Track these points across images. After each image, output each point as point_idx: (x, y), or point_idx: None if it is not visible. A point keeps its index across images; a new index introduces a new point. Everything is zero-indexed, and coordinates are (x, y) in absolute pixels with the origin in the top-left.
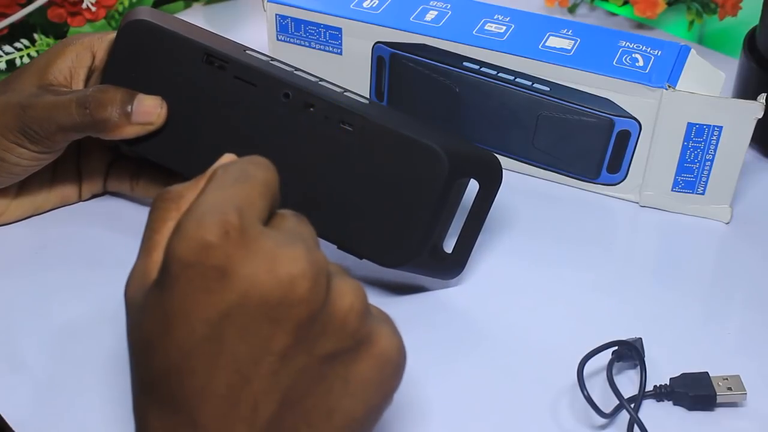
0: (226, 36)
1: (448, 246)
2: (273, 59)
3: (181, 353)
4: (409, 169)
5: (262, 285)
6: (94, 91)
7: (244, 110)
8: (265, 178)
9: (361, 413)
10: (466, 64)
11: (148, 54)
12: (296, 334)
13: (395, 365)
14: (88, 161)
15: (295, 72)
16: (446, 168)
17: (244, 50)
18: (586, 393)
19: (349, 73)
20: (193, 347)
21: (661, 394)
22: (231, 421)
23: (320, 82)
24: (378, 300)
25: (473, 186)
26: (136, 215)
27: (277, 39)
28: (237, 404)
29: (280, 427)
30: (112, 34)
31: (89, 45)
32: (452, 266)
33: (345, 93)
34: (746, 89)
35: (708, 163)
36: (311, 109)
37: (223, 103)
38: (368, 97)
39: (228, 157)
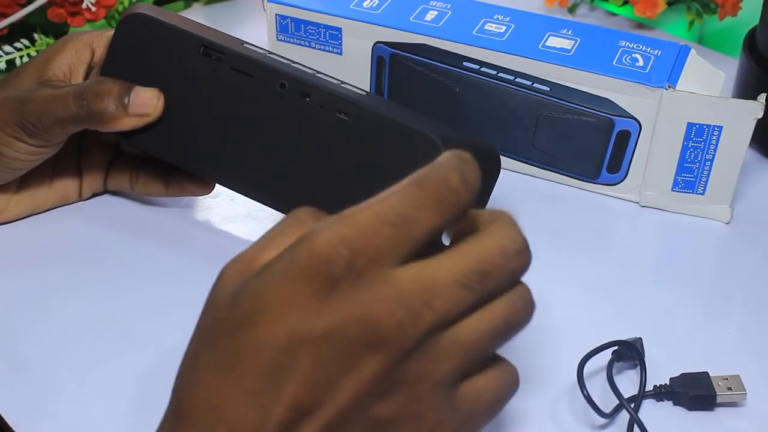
0: None
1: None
2: (270, 52)
3: (257, 348)
4: (405, 157)
5: (345, 329)
6: (91, 84)
7: (241, 101)
8: (433, 221)
9: None
10: (466, 64)
11: (146, 47)
12: (362, 391)
13: None
14: (88, 159)
15: (292, 64)
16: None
17: (242, 43)
18: (586, 393)
19: (349, 73)
20: (251, 356)
21: (661, 394)
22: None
23: (317, 74)
24: None
25: None
26: (136, 215)
27: (277, 39)
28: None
29: None
30: (111, 32)
31: (89, 42)
32: None
33: (342, 84)
34: (746, 89)
35: (708, 163)
36: (307, 98)
37: (221, 94)
38: (365, 89)
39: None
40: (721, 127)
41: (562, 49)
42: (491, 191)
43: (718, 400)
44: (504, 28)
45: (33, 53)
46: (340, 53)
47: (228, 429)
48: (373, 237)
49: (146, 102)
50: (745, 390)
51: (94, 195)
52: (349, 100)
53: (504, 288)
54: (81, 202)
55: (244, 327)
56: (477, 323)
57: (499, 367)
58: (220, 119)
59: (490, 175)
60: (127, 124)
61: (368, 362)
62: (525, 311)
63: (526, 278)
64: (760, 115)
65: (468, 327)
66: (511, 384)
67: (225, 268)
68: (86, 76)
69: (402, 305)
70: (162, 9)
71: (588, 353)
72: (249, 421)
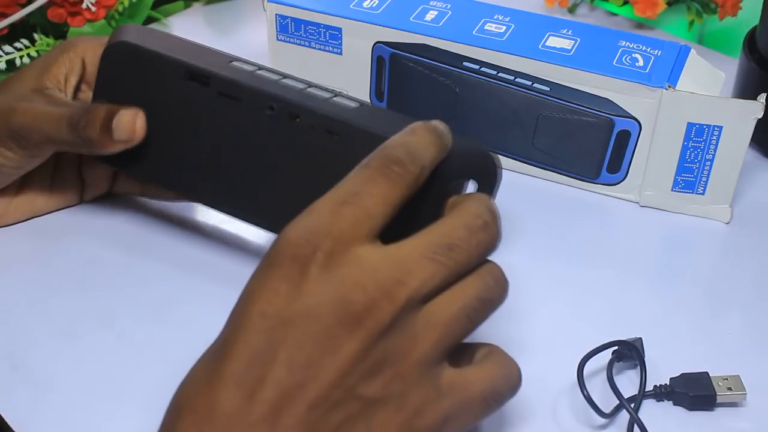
0: (226, 37)
1: None
2: (260, 67)
3: (239, 336)
4: None
5: (321, 309)
6: (84, 111)
7: (231, 125)
8: (398, 195)
9: None
10: (466, 64)
11: (132, 75)
12: (345, 368)
13: (426, 419)
14: (91, 169)
15: (281, 81)
16: (436, 173)
17: (230, 62)
18: (586, 393)
19: (349, 73)
20: (244, 337)
21: (661, 394)
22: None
23: (308, 89)
24: None
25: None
26: (137, 214)
27: (277, 39)
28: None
29: None
30: (105, 40)
31: (81, 53)
32: None
33: (334, 98)
34: (746, 89)
35: (708, 163)
36: (297, 120)
37: (209, 120)
38: (359, 99)
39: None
40: (721, 127)
41: (562, 49)
42: (493, 197)
43: (718, 400)
44: (504, 28)
45: (33, 53)
46: (340, 53)
47: (218, 415)
48: (332, 218)
49: (126, 127)
50: (745, 390)
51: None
52: (339, 120)
53: (474, 265)
54: (82, 203)
55: (230, 320)
56: (450, 300)
57: (496, 361)
58: (211, 144)
59: (488, 185)
60: (114, 149)
61: (347, 342)
62: (498, 288)
63: (526, 278)
64: (760, 115)
65: (442, 304)
66: (509, 380)
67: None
68: (77, 87)
69: (374, 283)
70: (150, 30)
71: (588, 353)
72: (235, 405)
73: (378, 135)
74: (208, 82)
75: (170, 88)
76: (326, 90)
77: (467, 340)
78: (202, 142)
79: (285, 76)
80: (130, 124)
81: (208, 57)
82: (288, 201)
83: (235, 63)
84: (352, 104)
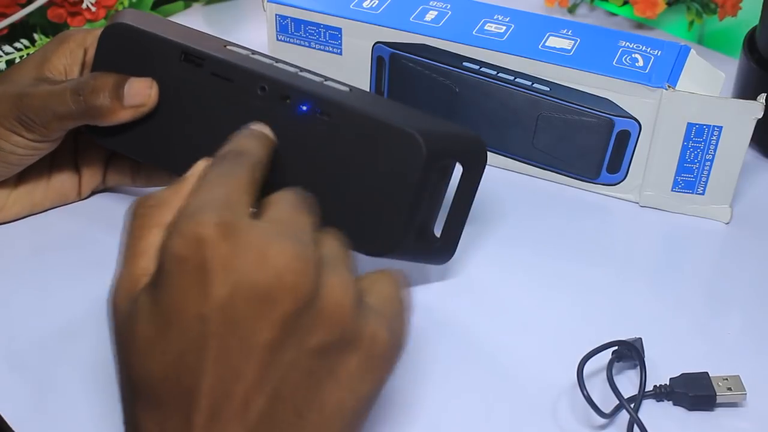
0: (226, 37)
1: (439, 231)
2: (254, 52)
3: (177, 351)
4: (387, 156)
5: (250, 278)
6: (87, 79)
7: (223, 106)
8: (251, 165)
9: (352, 405)
10: (466, 64)
11: (129, 56)
12: (283, 328)
13: (382, 358)
14: (86, 156)
15: (274, 64)
16: (424, 153)
17: (224, 46)
18: (586, 393)
19: (349, 73)
20: (189, 344)
21: (661, 394)
22: (224, 417)
23: (299, 73)
24: None
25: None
26: None
27: (277, 39)
28: (229, 400)
29: (272, 421)
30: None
31: (82, 42)
32: (441, 252)
33: (325, 82)
34: (746, 89)
35: (708, 163)
36: (288, 101)
37: (202, 99)
38: (350, 84)
39: (203, 163)
40: (721, 127)
41: (562, 49)
42: (478, 183)
43: (718, 400)
44: (504, 28)
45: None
46: (340, 53)
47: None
48: (204, 217)
49: (140, 92)
50: (745, 390)
51: (94, 193)
52: (329, 100)
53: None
54: (81, 201)
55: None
56: (330, 240)
57: (381, 278)
58: (203, 124)
59: (474, 167)
60: (124, 116)
61: (270, 320)
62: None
63: (527, 278)
64: (760, 115)
65: (329, 244)
66: (395, 285)
67: (112, 300)
68: (80, 75)
69: (267, 261)
70: (147, 14)
71: (588, 353)
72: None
73: (367, 115)
74: (202, 63)
75: (165, 68)
76: (318, 75)
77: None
78: (196, 122)
79: (278, 60)
80: (145, 89)
81: (203, 41)
82: (276, 180)
83: (229, 47)
84: (344, 88)
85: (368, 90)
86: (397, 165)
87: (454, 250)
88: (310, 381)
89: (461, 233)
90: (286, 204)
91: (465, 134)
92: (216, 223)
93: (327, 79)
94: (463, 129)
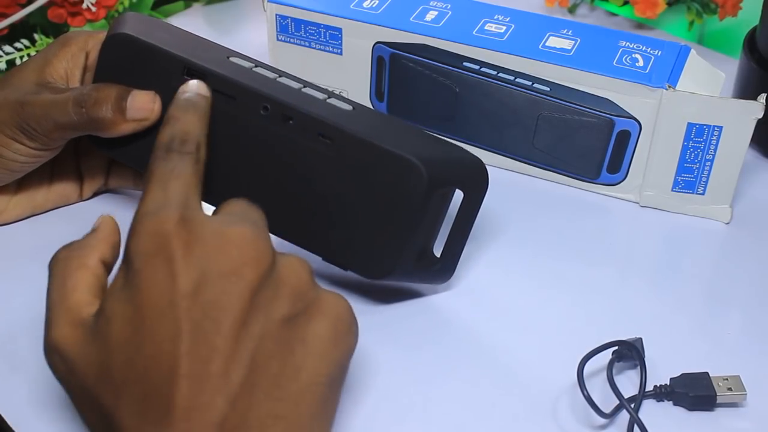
0: (226, 37)
1: (439, 251)
2: (258, 64)
3: (155, 341)
4: (388, 182)
5: (215, 260)
6: (90, 90)
7: (225, 123)
8: (196, 157)
9: (325, 370)
10: (466, 64)
11: (131, 68)
12: (251, 301)
13: (346, 322)
14: (87, 161)
15: (278, 79)
16: (425, 180)
17: (228, 57)
18: (586, 393)
19: (349, 73)
20: (165, 332)
21: (661, 394)
22: (207, 392)
23: (303, 89)
24: (375, 303)
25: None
26: None
27: (277, 39)
28: (209, 375)
29: (252, 390)
30: (104, 33)
31: (83, 45)
32: (441, 272)
33: (328, 100)
34: (746, 89)
35: (708, 163)
36: (290, 121)
37: None
38: (354, 102)
39: (108, 219)
40: (721, 127)
41: (562, 49)
42: (478, 209)
43: (718, 400)
44: (504, 28)
45: (33, 53)
46: (340, 53)
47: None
48: (161, 216)
49: (143, 106)
50: (745, 390)
51: (95, 194)
52: (332, 124)
53: None
54: (81, 202)
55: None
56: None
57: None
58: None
59: (475, 194)
60: (126, 129)
61: (237, 294)
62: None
63: (527, 278)
64: (760, 115)
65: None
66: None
67: (54, 341)
68: (82, 78)
69: (230, 243)
70: (149, 19)
71: (588, 353)
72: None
73: (370, 142)
74: (205, 80)
75: (168, 83)
76: (322, 91)
77: None
78: None
79: (282, 74)
80: (148, 103)
81: (206, 52)
82: (278, 201)
83: (233, 59)
84: (347, 107)
85: (368, 88)
86: (399, 191)
87: (454, 270)
88: (284, 349)
89: (461, 253)
90: (237, 203)
91: (467, 158)
92: (176, 218)
93: (331, 95)
94: (465, 152)
